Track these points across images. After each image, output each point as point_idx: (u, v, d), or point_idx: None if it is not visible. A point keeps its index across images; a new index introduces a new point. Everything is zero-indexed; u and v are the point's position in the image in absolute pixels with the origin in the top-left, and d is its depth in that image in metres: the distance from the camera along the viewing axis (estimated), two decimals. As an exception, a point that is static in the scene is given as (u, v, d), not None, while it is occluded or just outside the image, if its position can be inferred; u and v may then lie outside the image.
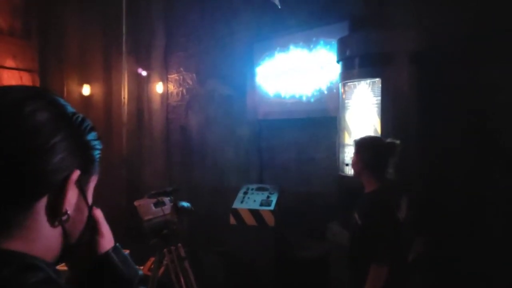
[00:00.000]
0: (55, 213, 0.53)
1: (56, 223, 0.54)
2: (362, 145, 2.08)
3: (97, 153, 0.59)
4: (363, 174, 2.05)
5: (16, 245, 0.50)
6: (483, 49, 2.68)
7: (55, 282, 0.51)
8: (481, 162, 2.74)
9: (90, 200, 0.60)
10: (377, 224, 1.91)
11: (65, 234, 0.56)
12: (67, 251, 0.57)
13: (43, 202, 0.52)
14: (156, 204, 2.18)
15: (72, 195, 0.55)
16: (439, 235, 2.73)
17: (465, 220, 2.77)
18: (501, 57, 2.59)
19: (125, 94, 5.07)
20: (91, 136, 0.58)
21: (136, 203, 2.14)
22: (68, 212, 0.54)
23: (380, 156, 2.01)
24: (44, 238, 0.53)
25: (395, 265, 1.89)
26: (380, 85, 2.77)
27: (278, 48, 3.93)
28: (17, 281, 0.47)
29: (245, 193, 3.74)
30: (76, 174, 0.54)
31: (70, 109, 0.56)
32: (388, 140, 2.04)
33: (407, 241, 2.05)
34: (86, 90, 5.06)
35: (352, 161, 2.13)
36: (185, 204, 2.28)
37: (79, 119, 0.57)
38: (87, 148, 0.57)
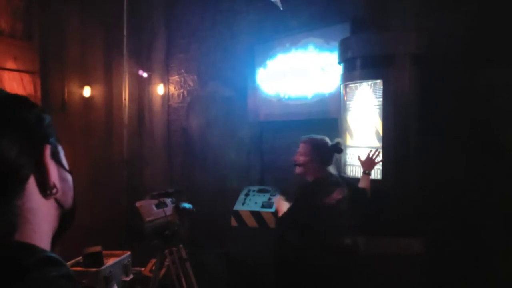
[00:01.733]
0: (45, 189, 0.57)
1: (49, 197, 0.58)
2: (319, 145, 2.48)
3: (50, 126, 0.61)
4: (311, 170, 2.45)
5: (26, 233, 0.53)
6: (483, 51, 2.69)
7: (73, 278, 0.53)
8: (481, 164, 2.73)
9: (67, 167, 0.64)
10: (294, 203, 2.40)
11: (60, 204, 0.60)
12: (65, 219, 0.62)
13: (32, 183, 0.55)
14: (158, 205, 2.18)
15: (52, 168, 0.58)
16: (437, 235, 2.73)
17: (463, 221, 2.76)
18: (501, 59, 2.59)
19: (126, 95, 5.07)
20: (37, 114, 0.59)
21: (137, 204, 2.13)
22: (56, 184, 0.59)
23: (330, 154, 2.47)
24: (44, 214, 0.57)
25: (310, 243, 2.27)
26: (382, 87, 2.77)
27: (279, 50, 3.93)
28: (38, 274, 0.48)
29: (247, 195, 3.73)
30: (48, 149, 0.58)
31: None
32: (336, 141, 2.50)
33: (336, 227, 2.32)
34: (87, 91, 5.05)
35: (303, 159, 2.49)
36: (187, 205, 2.28)
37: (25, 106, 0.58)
38: (41, 125, 0.59)
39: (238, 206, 3.61)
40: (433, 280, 2.67)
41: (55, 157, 0.61)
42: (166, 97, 5.24)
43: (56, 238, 0.61)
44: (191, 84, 4.94)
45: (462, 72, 2.75)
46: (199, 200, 3.40)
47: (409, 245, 2.68)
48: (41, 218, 0.57)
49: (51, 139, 0.60)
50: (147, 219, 2.08)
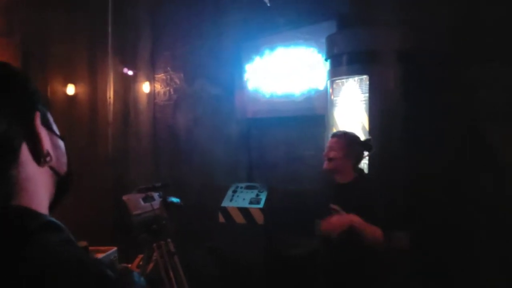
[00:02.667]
0: (39, 157, 0.56)
1: (43, 164, 0.57)
2: (353, 141, 2.27)
3: (36, 91, 0.61)
4: (343, 167, 2.24)
5: (24, 201, 0.52)
6: (467, 47, 2.74)
7: (75, 243, 0.52)
8: (465, 159, 2.79)
9: (58, 133, 0.63)
10: (385, 204, 2.16)
11: (55, 171, 0.60)
12: (62, 186, 0.62)
13: (25, 152, 0.55)
14: (145, 199, 2.16)
15: (44, 136, 0.58)
16: (423, 230, 2.77)
17: (448, 215, 2.81)
18: (484, 55, 2.65)
19: (110, 93, 5.01)
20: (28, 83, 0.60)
21: (124, 197, 2.11)
22: (49, 151, 0.58)
23: (362, 151, 2.29)
24: (40, 182, 0.57)
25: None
26: (368, 82, 2.80)
27: (266, 47, 3.94)
28: (40, 238, 0.48)
29: (234, 191, 3.73)
30: (38, 116, 0.57)
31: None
32: (367, 138, 2.35)
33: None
34: (70, 89, 4.97)
35: (336, 154, 2.24)
36: (175, 199, 2.27)
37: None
38: (30, 92, 0.59)
39: (226, 203, 3.60)
40: (418, 273, 2.70)
41: (46, 123, 0.60)
42: (152, 95, 5.20)
43: (54, 205, 0.60)
44: (178, 82, 4.91)
45: (447, 68, 2.80)
46: (186, 197, 3.37)
47: (395, 240, 2.71)
48: (37, 186, 0.56)
49: (39, 106, 0.59)
50: (134, 212, 2.05)
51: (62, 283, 0.45)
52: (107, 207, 4.56)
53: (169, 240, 2.18)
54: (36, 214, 0.52)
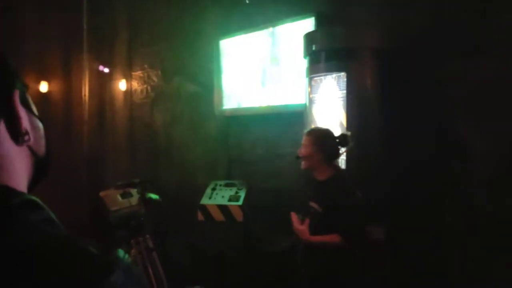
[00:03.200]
0: (17, 135, 0.55)
1: (21, 143, 0.56)
2: (323, 136, 2.28)
3: (15, 70, 0.59)
4: (317, 164, 2.23)
5: (2, 179, 0.51)
6: (441, 45, 2.82)
7: (55, 222, 0.51)
8: (439, 153, 2.86)
9: (37, 114, 0.62)
10: (349, 206, 2.12)
11: (33, 152, 0.58)
12: (40, 168, 0.60)
13: (3, 130, 0.54)
14: (123, 195, 2.13)
15: (23, 115, 0.57)
16: (399, 224, 2.83)
17: (424, 210, 2.88)
18: (457, 53, 2.74)
19: (85, 91, 4.91)
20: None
21: (102, 193, 2.08)
22: (28, 131, 0.57)
23: (336, 147, 2.26)
24: (18, 161, 0.56)
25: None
26: (345, 79, 2.84)
27: (245, 45, 3.94)
28: (22, 215, 0.47)
29: (213, 189, 3.71)
30: (17, 93, 0.56)
31: None
32: (342, 132, 2.35)
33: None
34: (44, 87, 4.85)
35: (306, 152, 2.26)
36: (154, 195, 2.24)
37: None
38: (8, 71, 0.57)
39: (205, 200, 3.58)
40: (393, 266, 2.76)
41: (25, 103, 0.59)
42: (129, 93, 5.12)
43: (31, 188, 0.59)
44: (155, 79, 4.86)
45: (422, 65, 2.87)
46: (165, 196, 3.34)
47: (371, 233, 2.76)
48: (15, 165, 0.55)
49: (19, 84, 0.58)
50: (112, 209, 2.02)
51: (44, 258, 0.44)
52: (83, 206, 4.47)
53: (147, 236, 2.15)
54: (16, 192, 0.51)
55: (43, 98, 4.77)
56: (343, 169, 2.41)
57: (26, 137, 0.56)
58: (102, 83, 5.17)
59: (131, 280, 0.47)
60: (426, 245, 2.82)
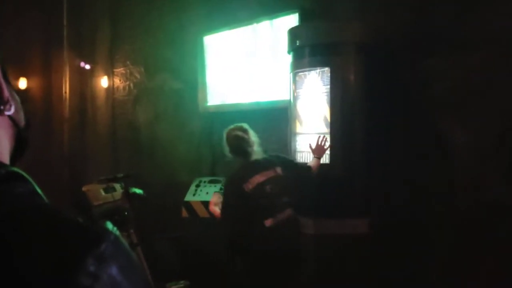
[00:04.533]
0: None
1: (3, 112, 0.55)
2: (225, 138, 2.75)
3: None
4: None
5: None
6: (423, 41, 2.87)
7: (40, 194, 0.49)
8: (421, 148, 2.91)
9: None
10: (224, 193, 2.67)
11: (14, 121, 0.58)
12: (21, 140, 0.60)
13: None
14: (106, 190, 2.10)
15: (5, 85, 0.56)
16: (382, 218, 2.87)
17: (406, 204, 2.93)
18: (439, 49, 2.79)
19: (66, 88, 4.83)
20: None
21: (84, 188, 2.04)
22: (9, 100, 0.56)
23: (234, 146, 2.67)
24: (0, 131, 0.55)
25: (240, 224, 2.51)
26: (329, 74, 2.86)
27: (229, 41, 3.93)
28: (4, 188, 0.45)
29: (197, 186, 3.69)
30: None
31: None
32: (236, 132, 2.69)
33: (259, 208, 2.52)
34: (23, 83, 4.74)
35: None
36: (138, 190, 2.21)
37: None
38: None
39: (189, 197, 3.56)
40: (377, 258, 2.80)
41: (4, 74, 0.58)
42: (111, 90, 5.05)
43: (13, 162, 0.57)
44: (138, 76, 4.80)
45: (404, 61, 2.92)
46: (149, 192, 3.31)
47: (355, 226, 2.79)
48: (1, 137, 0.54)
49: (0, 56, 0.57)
50: (95, 203, 1.99)
51: (31, 227, 0.42)
52: (63, 205, 4.37)
53: (131, 231, 2.12)
54: (0, 163, 0.50)
55: (22, 95, 4.66)
56: (247, 163, 2.74)
57: (8, 106, 0.55)
58: (83, 80, 5.09)
59: (120, 251, 0.46)
60: (409, 238, 2.86)
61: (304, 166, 2.81)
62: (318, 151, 2.78)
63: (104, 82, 5.03)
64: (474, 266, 2.55)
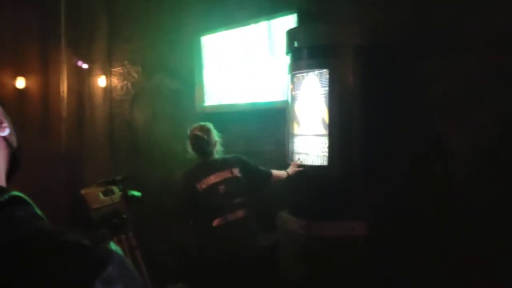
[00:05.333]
0: None
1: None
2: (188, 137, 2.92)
3: None
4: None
5: None
6: (420, 44, 2.88)
7: (41, 217, 0.51)
8: (420, 150, 2.92)
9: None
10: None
11: (8, 143, 0.60)
12: (14, 160, 0.62)
13: None
14: (105, 193, 2.10)
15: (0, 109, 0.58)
16: (380, 220, 2.88)
17: (405, 206, 2.94)
18: (438, 50, 2.79)
19: (64, 87, 4.82)
20: None
21: (83, 191, 2.04)
22: (3, 122, 0.58)
23: (194, 145, 2.87)
24: None
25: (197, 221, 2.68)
26: (328, 76, 2.87)
27: (226, 41, 3.93)
28: (9, 213, 0.46)
29: (195, 186, 3.68)
30: None
31: None
32: (196, 132, 2.86)
33: (209, 208, 2.65)
34: (20, 83, 4.73)
35: None
36: (136, 193, 2.22)
37: None
38: None
39: (186, 198, 3.55)
40: (374, 260, 2.81)
41: None
42: (109, 89, 5.04)
43: (7, 180, 0.59)
44: (136, 76, 4.79)
45: (403, 63, 2.92)
46: (145, 195, 3.31)
47: (353, 228, 2.80)
48: None
49: None
50: (94, 206, 1.99)
51: (38, 252, 0.43)
52: (60, 204, 4.38)
53: (130, 234, 2.13)
54: (1, 188, 0.51)
55: (19, 94, 4.66)
56: (200, 163, 2.94)
57: (3, 129, 0.57)
58: (81, 79, 5.08)
59: (125, 271, 0.47)
60: (408, 240, 2.87)
61: (264, 173, 2.95)
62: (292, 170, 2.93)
63: (101, 81, 5.02)
64: (474, 268, 2.56)
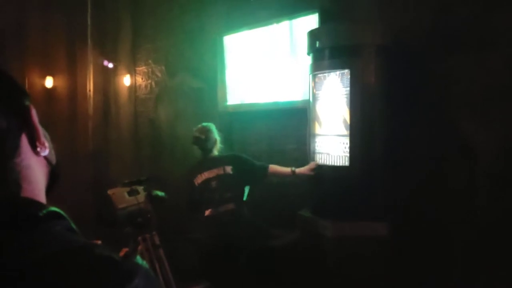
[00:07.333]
0: (35, 146, 0.60)
1: (39, 154, 0.60)
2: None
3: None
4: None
5: (28, 191, 0.55)
6: (443, 42, 2.83)
7: (76, 231, 0.55)
8: (443, 150, 2.88)
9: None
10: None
11: (48, 161, 0.63)
12: (53, 175, 0.65)
13: (24, 142, 0.58)
14: (130, 193, 2.17)
15: (40, 130, 0.61)
16: (402, 221, 2.86)
17: (427, 206, 2.90)
18: (460, 50, 2.74)
19: (90, 86, 4.95)
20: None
21: (109, 191, 2.11)
22: (44, 141, 0.61)
23: (194, 144, 3.21)
24: (39, 171, 0.60)
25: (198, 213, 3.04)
26: (349, 77, 2.85)
27: (248, 41, 3.95)
28: (47, 226, 0.51)
29: (217, 184, 3.74)
30: (32, 108, 0.60)
31: None
32: (195, 133, 3.18)
33: (203, 200, 3.03)
34: (49, 82, 4.89)
35: None
36: (160, 193, 2.28)
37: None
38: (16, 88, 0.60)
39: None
40: (395, 261, 2.80)
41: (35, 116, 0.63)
42: (133, 88, 5.15)
43: (47, 194, 0.63)
44: (159, 75, 4.88)
45: (425, 62, 2.88)
46: (168, 191, 3.38)
47: (375, 229, 2.79)
48: (37, 176, 0.59)
49: (28, 100, 0.61)
50: (120, 206, 2.06)
51: (74, 265, 0.47)
52: (87, 201, 4.52)
53: (154, 233, 2.19)
54: (41, 204, 0.55)
55: (48, 94, 4.81)
56: (202, 159, 3.26)
57: (44, 148, 0.60)
58: (107, 78, 5.20)
59: (150, 283, 0.51)
60: (430, 241, 2.85)
61: (259, 168, 3.18)
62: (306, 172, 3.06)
63: (126, 80, 5.14)
64: (496, 268, 2.53)
